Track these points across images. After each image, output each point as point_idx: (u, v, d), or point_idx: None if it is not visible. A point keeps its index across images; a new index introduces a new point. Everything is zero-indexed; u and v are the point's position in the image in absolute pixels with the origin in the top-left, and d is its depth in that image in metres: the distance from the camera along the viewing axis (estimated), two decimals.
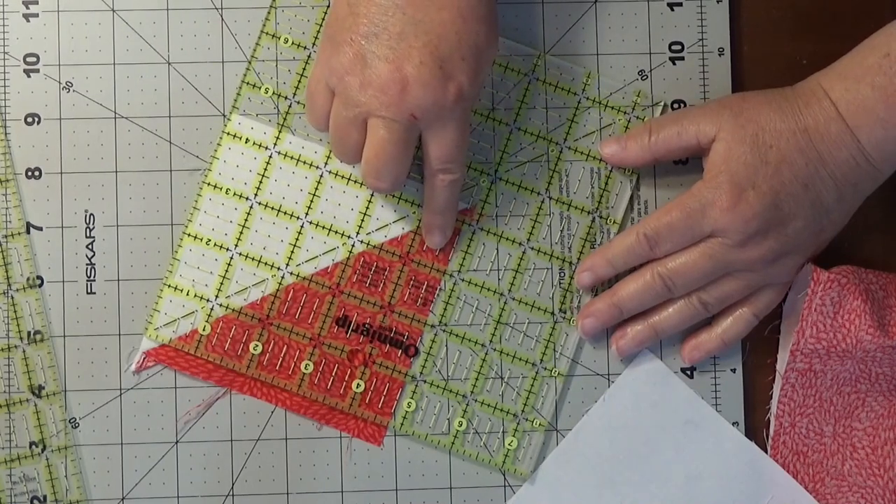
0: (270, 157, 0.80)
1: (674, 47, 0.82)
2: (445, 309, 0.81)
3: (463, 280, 0.81)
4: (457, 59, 0.73)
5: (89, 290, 0.80)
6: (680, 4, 0.82)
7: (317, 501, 0.80)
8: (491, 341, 0.81)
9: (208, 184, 0.80)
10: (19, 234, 0.79)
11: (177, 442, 0.80)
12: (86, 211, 0.80)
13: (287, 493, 0.80)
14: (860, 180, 0.75)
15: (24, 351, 0.79)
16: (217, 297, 0.80)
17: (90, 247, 0.80)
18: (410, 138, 0.74)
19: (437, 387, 0.80)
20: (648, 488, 0.80)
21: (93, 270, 0.80)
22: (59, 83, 0.80)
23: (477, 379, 0.81)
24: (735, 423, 0.81)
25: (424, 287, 0.80)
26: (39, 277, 0.79)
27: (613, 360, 0.81)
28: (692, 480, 0.80)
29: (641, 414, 0.81)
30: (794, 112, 0.75)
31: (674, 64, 0.82)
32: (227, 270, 0.80)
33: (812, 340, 0.79)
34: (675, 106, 0.82)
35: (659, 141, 0.78)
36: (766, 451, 0.81)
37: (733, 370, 0.81)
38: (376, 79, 0.72)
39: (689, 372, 0.81)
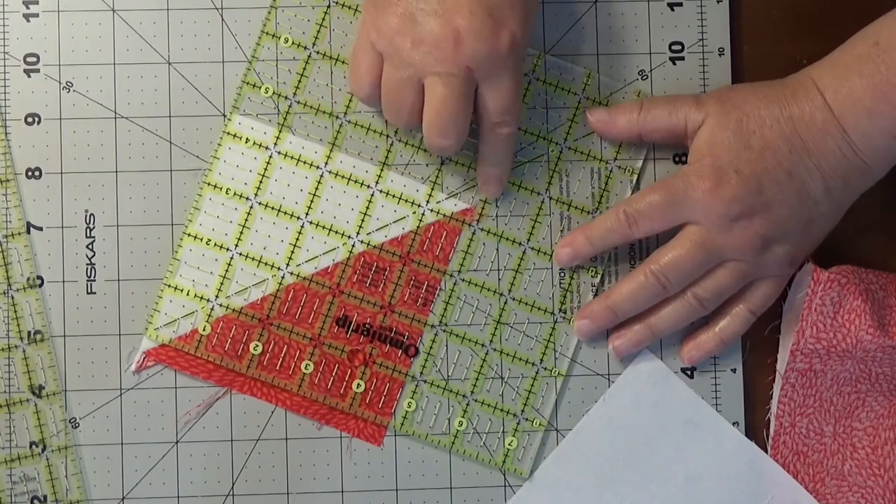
0: (271, 157, 0.80)
1: (674, 47, 0.82)
2: (445, 309, 0.80)
3: (463, 280, 0.81)
4: (505, 7, 0.72)
5: (89, 290, 0.80)
6: (680, 4, 0.82)
7: (317, 501, 0.80)
8: (491, 341, 0.81)
9: (208, 184, 0.80)
10: (19, 234, 0.79)
11: (177, 442, 0.80)
12: (86, 211, 0.80)
13: (287, 493, 0.80)
14: (848, 174, 0.75)
15: (24, 351, 0.79)
16: (217, 297, 0.80)
17: (90, 247, 0.80)
18: (469, 92, 0.74)
19: (437, 387, 0.80)
20: (648, 488, 0.80)
21: (93, 270, 0.80)
22: (60, 83, 0.80)
23: (477, 379, 0.80)
24: (735, 423, 0.81)
25: (424, 287, 0.80)
26: (39, 277, 0.79)
27: (613, 360, 0.81)
28: (692, 480, 0.80)
29: (641, 414, 0.81)
30: (781, 100, 0.75)
31: (674, 64, 0.82)
32: (227, 270, 0.80)
33: (812, 340, 0.79)
34: None
35: (648, 118, 0.78)
36: (766, 451, 0.81)
37: (733, 370, 0.81)
38: (428, 35, 0.72)
39: (689, 372, 0.81)
